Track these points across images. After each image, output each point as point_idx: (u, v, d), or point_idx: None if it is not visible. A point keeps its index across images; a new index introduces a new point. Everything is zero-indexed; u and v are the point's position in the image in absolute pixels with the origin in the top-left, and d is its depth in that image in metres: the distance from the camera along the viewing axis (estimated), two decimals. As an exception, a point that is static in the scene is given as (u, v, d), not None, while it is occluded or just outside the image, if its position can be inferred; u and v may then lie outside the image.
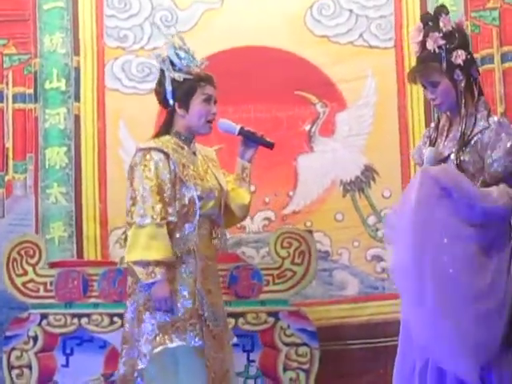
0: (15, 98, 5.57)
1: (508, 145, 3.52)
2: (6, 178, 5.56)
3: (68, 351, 4.83)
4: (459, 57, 3.59)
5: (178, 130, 3.89)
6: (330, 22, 5.49)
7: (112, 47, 5.58)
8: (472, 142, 3.57)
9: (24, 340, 4.83)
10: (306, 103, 5.46)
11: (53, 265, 4.98)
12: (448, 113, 3.71)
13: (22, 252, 4.88)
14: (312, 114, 5.47)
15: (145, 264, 3.68)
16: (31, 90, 5.54)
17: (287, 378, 4.79)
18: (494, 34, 5.24)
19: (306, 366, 4.79)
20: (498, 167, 3.53)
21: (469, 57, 3.62)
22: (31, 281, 4.86)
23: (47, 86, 5.52)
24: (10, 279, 4.87)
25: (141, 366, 3.72)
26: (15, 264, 4.86)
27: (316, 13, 5.53)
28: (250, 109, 5.43)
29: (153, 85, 4.05)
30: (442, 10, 3.65)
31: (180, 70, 3.84)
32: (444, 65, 3.59)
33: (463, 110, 3.60)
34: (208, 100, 3.87)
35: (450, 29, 3.61)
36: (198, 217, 3.79)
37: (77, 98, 5.53)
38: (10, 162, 5.57)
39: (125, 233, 3.95)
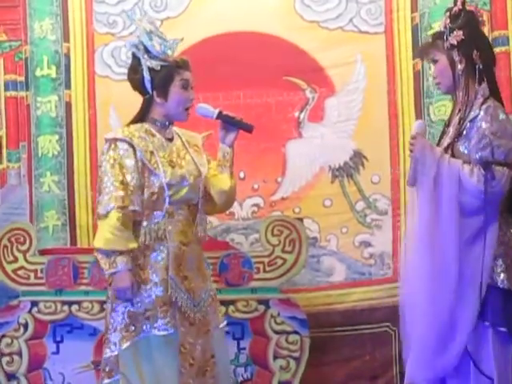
0: (7, 86, 5.54)
1: (484, 133, 3.45)
2: (1, 167, 5.53)
3: (58, 338, 4.83)
4: (455, 37, 3.55)
5: (154, 117, 3.86)
6: (320, 7, 5.43)
7: (101, 33, 5.53)
8: (465, 131, 3.51)
9: (14, 327, 4.83)
10: (295, 89, 5.42)
11: (43, 252, 4.97)
12: (453, 97, 3.66)
13: (13, 239, 4.88)
14: (301, 99, 5.43)
15: (107, 253, 3.67)
16: (22, 78, 5.50)
17: (278, 366, 4.79)
18: (485, 18, 5.12)
19: (296, 354, 4.79)
20: (475, 155, 3.46)
21: (468, 39, 3.54)
22: (22, 268, 4.86)
23: (38, 73, 5.47)
24: (0, 266, 4.86)
25: (109, 353, 3.72)
26: (6, 251, 4.87)
27: (305, -2, 5.50)
28: (240, 95, 5.39)
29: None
30: None
31: (156, 58, 3.78)
32: (445, 44, 3.57)
33: (462, 96, 3.55)
34: (186, 86, 3.83)
35: (458, 10, 3.58)
36: (167, 204, 3.76)
37: (67, 86, 5.50)
38: (4, 151, 5.54)
39: None
